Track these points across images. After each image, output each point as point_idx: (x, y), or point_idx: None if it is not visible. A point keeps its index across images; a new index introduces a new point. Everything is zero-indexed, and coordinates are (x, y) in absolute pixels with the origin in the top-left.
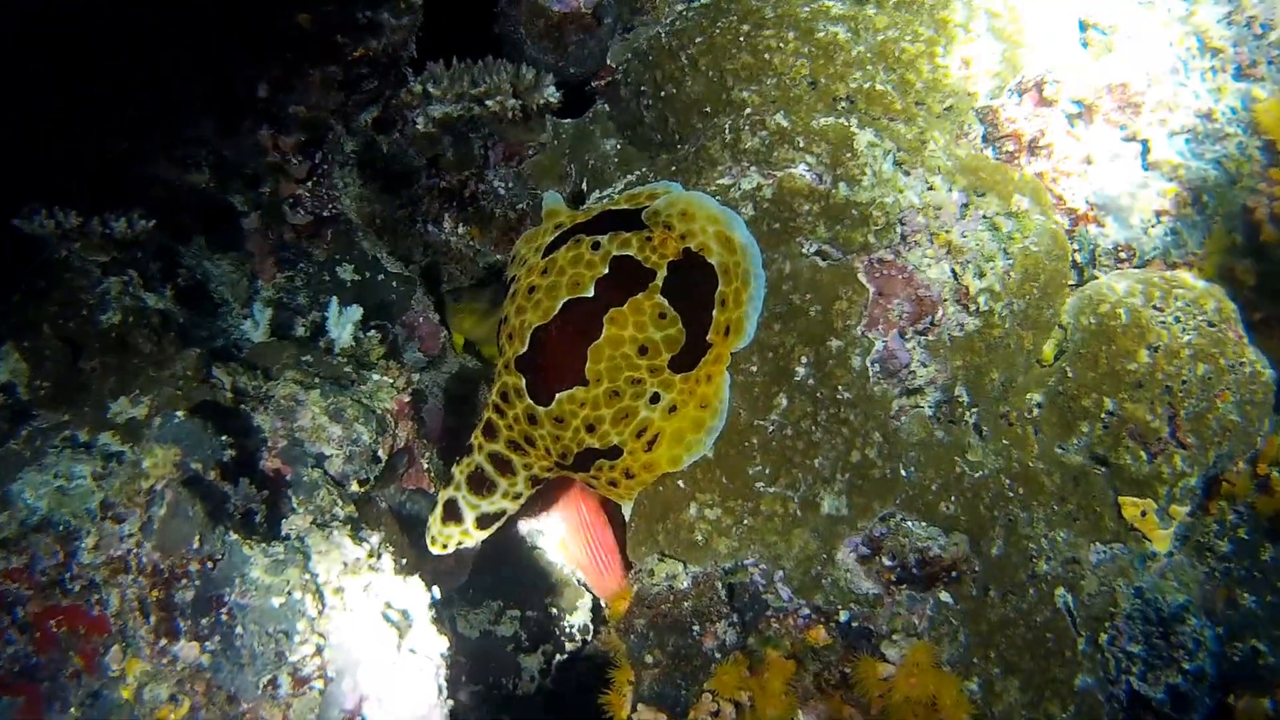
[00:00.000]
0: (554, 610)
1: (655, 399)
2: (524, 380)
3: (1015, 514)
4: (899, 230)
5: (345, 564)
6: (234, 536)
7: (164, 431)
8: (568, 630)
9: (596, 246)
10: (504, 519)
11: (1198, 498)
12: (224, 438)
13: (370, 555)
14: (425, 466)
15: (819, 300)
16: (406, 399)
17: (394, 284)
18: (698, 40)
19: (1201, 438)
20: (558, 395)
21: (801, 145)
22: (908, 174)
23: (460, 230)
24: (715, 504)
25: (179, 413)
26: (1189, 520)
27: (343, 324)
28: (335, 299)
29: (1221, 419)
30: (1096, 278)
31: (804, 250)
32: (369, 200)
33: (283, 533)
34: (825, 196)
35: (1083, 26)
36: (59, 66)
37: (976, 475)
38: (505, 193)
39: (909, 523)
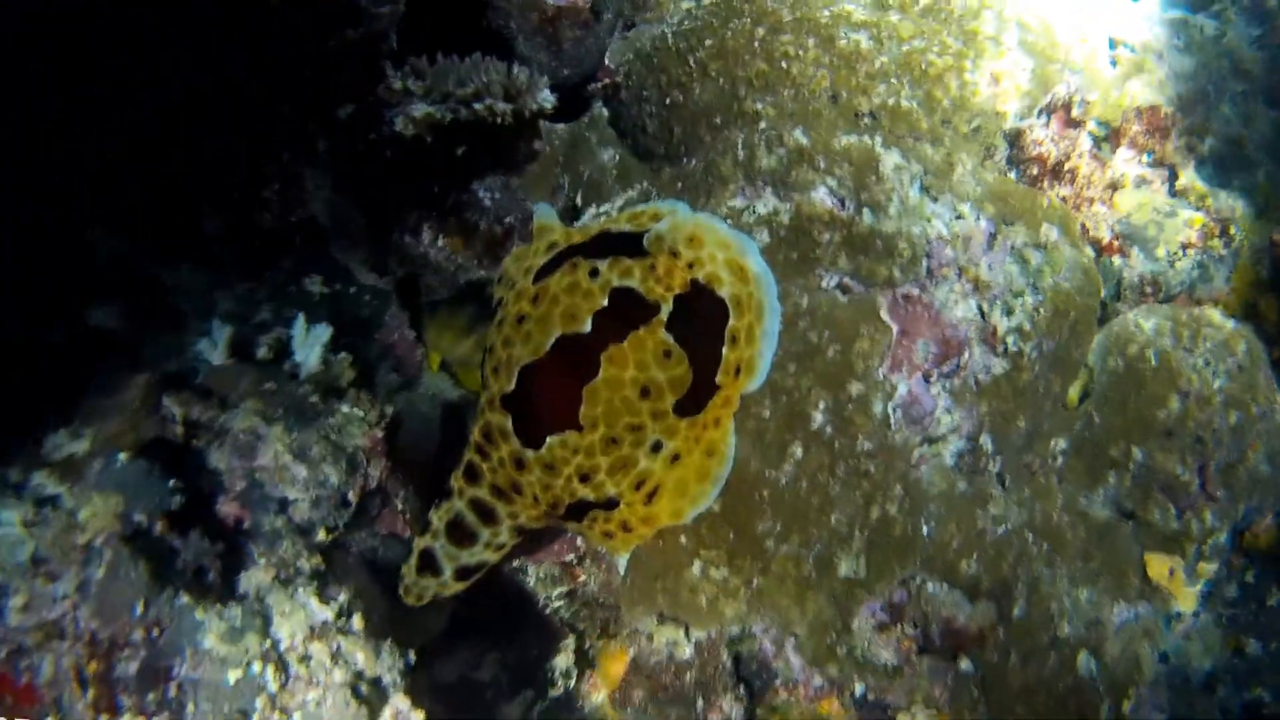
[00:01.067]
0: (536, 651)
1: (657, 447)
2: (510, 421)
3: (1038, 572)
4: (925, 264)
5: (311, 628)
6: (184, 599)
7: (104, 477)
8: (550, 675)
9: (595, 274)
10: (485, 569)
11: (1225, 554)
12: (173, 482)
13: (339, 616)
14: (400, 507)
15: (839, 339)
16: (380, 434)
17: (367, 297)
18: (708, 43)
19: (1232, 490)
20: (549, 440)
21: (822, 166)
22: (935, 200)
23: (440, 242)
24: (721, 563)
25: (121, 455)
26: (1214, 578)
27: (310, 345)
28: (302, 317)
29: (1252, 471)
30: (1120, 312)
31: (823, 283)
32: (342, 205)
33: (240, 589)
34: (848, 224)
35: (1112, 44)
36: (59, 66)
37: (999, 531)
38: (491, 204)
39: (930, 585)
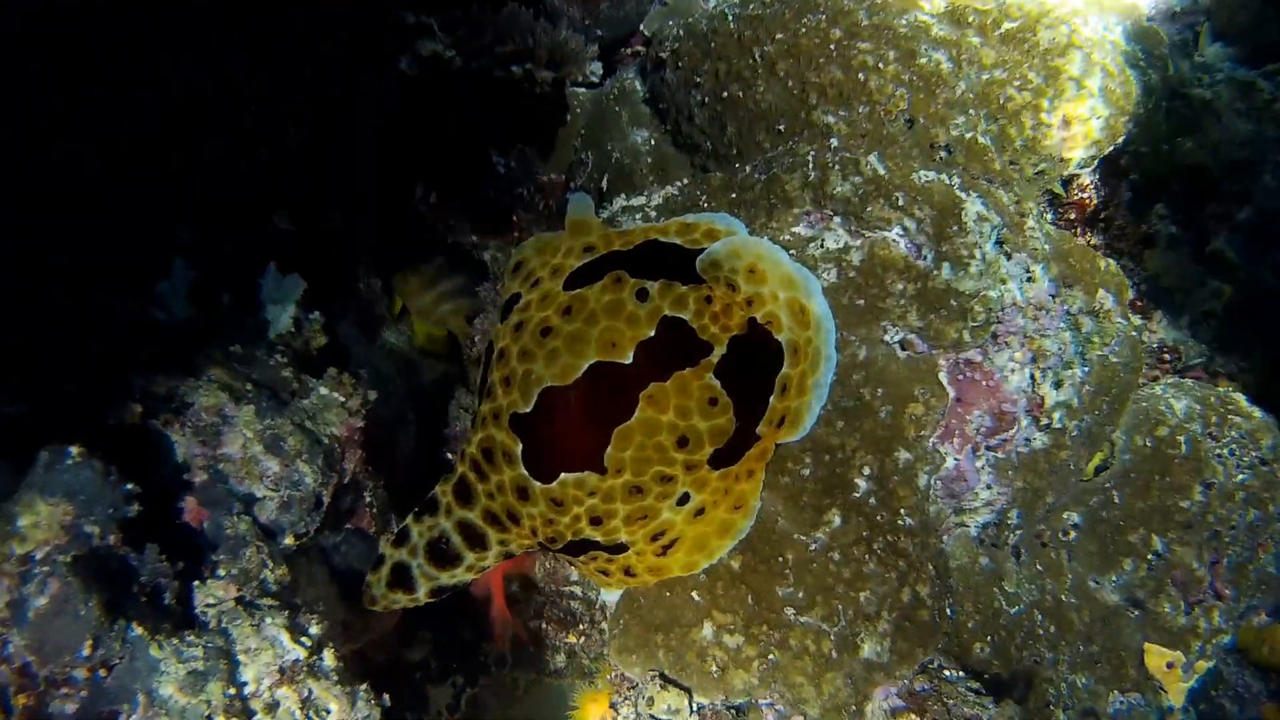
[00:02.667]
0: (469, 634)
1: (683, 499)
2: (520, 445)
3: (1042, 654)
4: (994, 329)
5: (281, 669)
6: (138, 631)
7: (52, 480)
8: (482, 660)
9: (643, 296)
10: (460, 588)
11: (1223, 655)
12: (130, 486)
13: (310, 654)
14: (368, 500)
15: (892, 399)
16: (360, 424)
17: (336, 238)
18: (778, 37)
19: (1239, 589)
20: (563, 476)
21: (901, 204)
22: (1009, 258)
23: (434, 199)
24: (737, 629)
25: (73, 450)
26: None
27: (281, 300)
28: (273, 266)
29: (1261, 571)
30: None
31: (885, 337)
32: (321, 128)
33: (196, 607)
34: (923, 277)
35: (1172, 97)
36: (59, 66)
37: (1013, 611)
38: (505, 172)
39: (948, 673)
